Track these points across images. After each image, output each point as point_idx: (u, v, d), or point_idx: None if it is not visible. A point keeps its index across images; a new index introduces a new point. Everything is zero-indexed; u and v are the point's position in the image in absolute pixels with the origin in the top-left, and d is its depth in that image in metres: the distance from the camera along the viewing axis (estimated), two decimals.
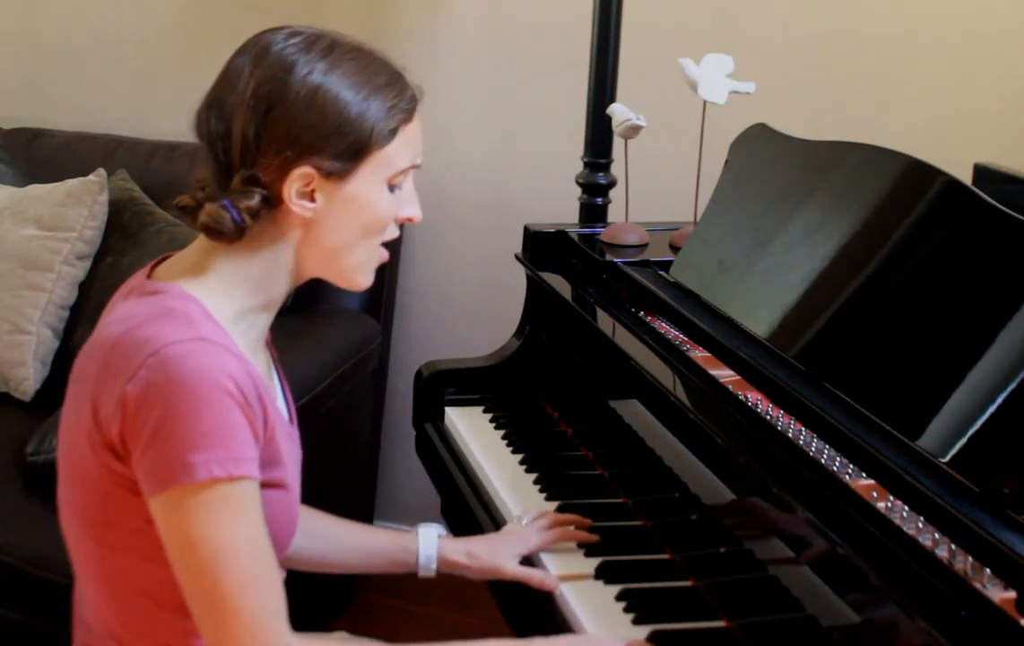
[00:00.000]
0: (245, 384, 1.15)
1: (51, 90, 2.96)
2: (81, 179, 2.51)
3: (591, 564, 1.51)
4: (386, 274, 2.61)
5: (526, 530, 1.57)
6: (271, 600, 1.16)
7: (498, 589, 1.61)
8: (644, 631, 1.37)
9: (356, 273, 1.28)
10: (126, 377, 1.13)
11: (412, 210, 1.30)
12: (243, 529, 1.14)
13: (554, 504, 1.67)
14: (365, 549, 1.55)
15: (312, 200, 1.21)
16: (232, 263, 1.23)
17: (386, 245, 1.30)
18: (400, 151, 1.24)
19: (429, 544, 1.53)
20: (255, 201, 1.19)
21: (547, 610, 1.47)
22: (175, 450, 1.11)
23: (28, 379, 2.38)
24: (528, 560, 1.55)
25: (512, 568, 1.52)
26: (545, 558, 1.54)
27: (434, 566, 1.53)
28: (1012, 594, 1.05)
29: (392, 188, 1.26)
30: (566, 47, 2.46)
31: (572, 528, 1.59)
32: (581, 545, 1.55)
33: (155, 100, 2.85)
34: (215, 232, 1.20)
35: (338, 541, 1.53)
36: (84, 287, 2.46)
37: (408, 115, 1.25)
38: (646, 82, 2.36)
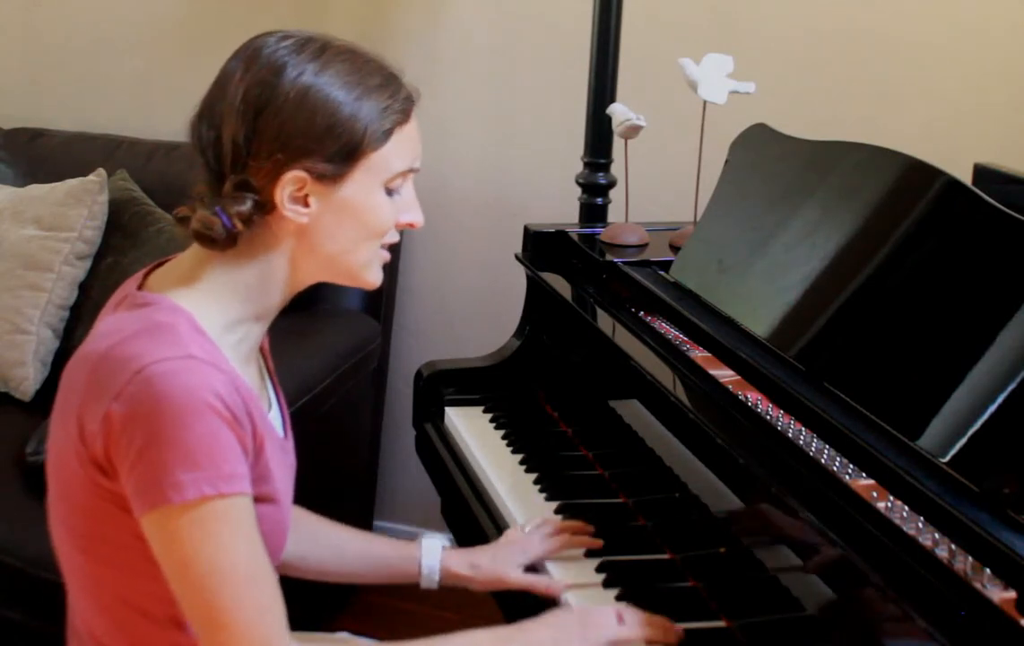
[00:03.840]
0: (232, 400, 1.13)
1: (51, 90, 2.96)
2: (81, 179, 2.51)
3: (591, 564, 1.51)
4: (386, 274, 2.60)
5: (529, 538, 1.55)
6: (268, 614, 1.14)
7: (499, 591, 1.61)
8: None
9: (363, 272, 1.27)
10: (111, 395, 1.11)
11: (413, 215, 1.27)
12: (236, 546, 1.12)
13: (554, 504, 1.66)
14: (368, 559, 1.53)
15: (306, 205, 1.18)
16: (225, 271, 1.21)
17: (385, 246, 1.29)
18: (396, 153, 1.21)
19: (432, 555, 1.51)
20: (247, 206, 1.17)
21: (546, 610, 1.47)
22: (163, 470, 1.09)
23: (28, 379, 2.38)
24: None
25: (516, 577, 1.50)
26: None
27: (436, 578, 1.52)
28: (1012, 594, 1.05)
29: (390, 192, 1.23)
30: (566, 47, 2.46)
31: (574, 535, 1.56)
32: None
33: (155, 100, 2.85)
34: (206, 239, 1.18)
35: (342, 550, 1.52)
36: (84, 287, 2.46)
37: (403, 116, 1.22)
38: (646, 82, 2.36)
